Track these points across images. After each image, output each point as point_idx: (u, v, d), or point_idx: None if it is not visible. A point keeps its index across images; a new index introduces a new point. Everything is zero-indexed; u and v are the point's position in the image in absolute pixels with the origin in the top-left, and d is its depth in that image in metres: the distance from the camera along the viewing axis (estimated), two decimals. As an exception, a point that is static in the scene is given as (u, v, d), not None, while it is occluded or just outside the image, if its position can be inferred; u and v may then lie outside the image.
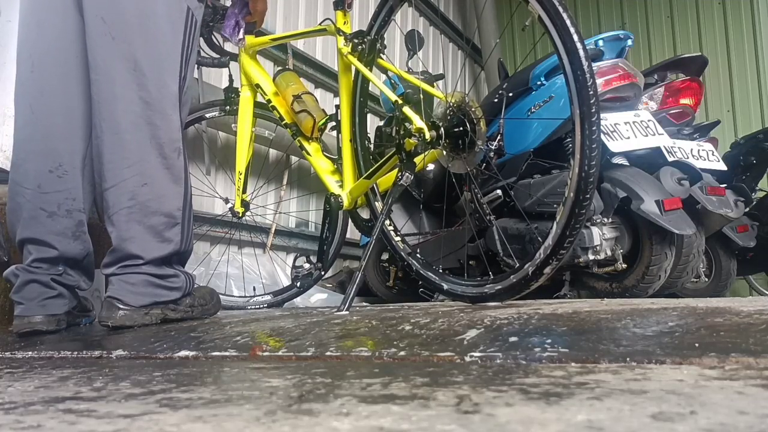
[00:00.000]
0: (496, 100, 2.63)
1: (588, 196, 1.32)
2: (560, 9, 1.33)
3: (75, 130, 1.58)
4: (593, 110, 1.30)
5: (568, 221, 1.36)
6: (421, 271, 1.73)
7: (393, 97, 1.64)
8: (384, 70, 1.89)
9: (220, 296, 2.34)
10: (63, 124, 1.57)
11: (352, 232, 3.00)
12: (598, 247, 2.35)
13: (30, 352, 1.30)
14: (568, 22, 1.32)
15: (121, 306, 1.47)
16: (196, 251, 2.76)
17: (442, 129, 1.55)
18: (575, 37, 1.31)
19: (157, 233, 1.50)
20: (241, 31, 2.06)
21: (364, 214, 2.06)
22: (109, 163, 1.50)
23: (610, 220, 2.38)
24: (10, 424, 0.59)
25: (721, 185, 2.66)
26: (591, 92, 1.30)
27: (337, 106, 1.96)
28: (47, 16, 1.58)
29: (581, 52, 1.31)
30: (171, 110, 1.54)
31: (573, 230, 1.35)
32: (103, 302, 1.50)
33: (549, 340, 0.90)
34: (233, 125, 2.23)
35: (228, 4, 2.09)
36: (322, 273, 2.19)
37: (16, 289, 1.52)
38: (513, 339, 0.94)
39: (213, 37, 2.20)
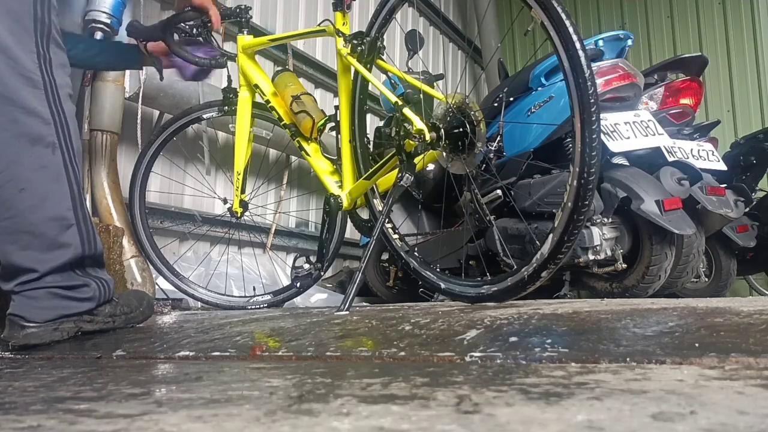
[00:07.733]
0: (495, 104, 2.63)
1: (587, 203, 1.33)
2: (563, 16, 1.33)
3: None
4: (593, 118, 1.31)
5: (566, 228, 1.36)
6: (419, 270, 1.73)
7: (393, 98, 1.64)
8: (384, 71, 1.89)
9: (220, 296, 2.36)
10: None
11: (352, 232, 3.00)
12: (598, 247, 2.35)
13: (30, 352, 1.30)
14: (571, 30, 1.33)
15: (25, 323, 1.32)
16: (195, 251, 2.77)
17: (442, 130, 1.55)
18: (578, 45, 1.32)
19: (50, 241, 1.33)
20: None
21: (364, 214, 2.06)
22: None
23: (610, 220, 2.38)
24: (10, 424, 0.59)
25: (721, 185, 2.66)
26: (592, 100, 1.31)
27: (337, 107, 1.96)
28: None
29: (583, 60, 1.31)
30: (34, 103, 1.34)
31: (571, 236, 1.36)
32: (6, 320, 1.36)
33: (549, 340, 0.90)
34: (231, 125, 2.23)
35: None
36: (322, 273, 2.19)
37: None
38: (513, 339, 0.94)
39: (212, 37, 2.20)
